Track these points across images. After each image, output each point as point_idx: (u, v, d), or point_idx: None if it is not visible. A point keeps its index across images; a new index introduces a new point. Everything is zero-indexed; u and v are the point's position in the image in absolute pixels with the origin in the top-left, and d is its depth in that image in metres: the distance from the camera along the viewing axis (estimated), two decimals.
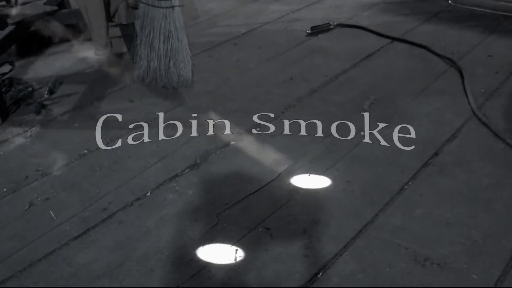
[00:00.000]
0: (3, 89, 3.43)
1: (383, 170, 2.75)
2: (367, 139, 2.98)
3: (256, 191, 2.63)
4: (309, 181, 2.70)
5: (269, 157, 2.87)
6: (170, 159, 2.90)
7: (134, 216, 2.52)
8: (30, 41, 4.17)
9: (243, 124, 3.17)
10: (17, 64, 3.87)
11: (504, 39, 4.19)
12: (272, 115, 3.25)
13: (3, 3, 4.04)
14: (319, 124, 3.14)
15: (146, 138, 3.07)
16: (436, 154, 2.85)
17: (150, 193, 2.65)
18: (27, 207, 2.59)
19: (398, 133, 3.02)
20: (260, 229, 2.40)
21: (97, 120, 3.26)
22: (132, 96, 3.53)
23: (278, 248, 2.29)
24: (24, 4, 4.03)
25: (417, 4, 5.00)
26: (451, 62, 3.81)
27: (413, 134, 3.01)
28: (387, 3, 5.07)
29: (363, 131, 3.04)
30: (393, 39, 4.25)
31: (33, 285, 2.17)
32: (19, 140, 3.10)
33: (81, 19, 3.92)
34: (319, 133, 3.06)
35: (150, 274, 2.20)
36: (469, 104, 3.27)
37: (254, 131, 3.11)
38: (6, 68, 3.66)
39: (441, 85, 3.54)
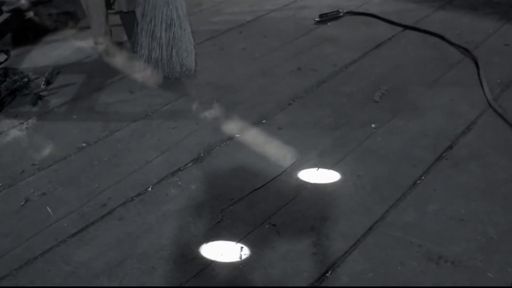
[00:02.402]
0: None
1: (394, 164, 2.74)
2: (378, 132, 2.97)
3: (262, 186, 2.63)
4: (318, 176, 2.70)
5: (276, 151, 2.87)
6: (172, 152, 2.90)
7: (134, 212, 2.51)
8: (26, 29, 4.17)
9: (249, 116, 3.16)
10: (12, 53, 3.87)
11: None
12: (279, 107, 3.24)
13: None
14: (328, 116, 3.13)
15: (147, 131, 3.07)
16: (450, 147, 2.84)
17: (152, 188, 2.65)
18: (23, 203, 2.59)
19: (411, 125, 3.01)
20: (267, 226, 2.39)
21: (96, 112, 3.26)
22: (132, 87, 3.53)
23: (285, 245, 2.29)
24: None
25: None
26: (466, 51, 3.79)
27: (426, 126, 2.99)
28: None
29: (374, 123, 3.04)
30: (405, 27, 4.24)
31: (29, 284, 2.17)
32: (15, 133, 3.10)
33: (80, 7, 3.92)
34: (328, 125, 3.05)
35: (152, 273, 2.19)
36: (485, 95, 3.25)
37: (260, 123, 3.10)
38: (2, 57, 3.66)
39: (456, 75, 3.52)
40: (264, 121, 3.12)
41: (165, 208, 2.52)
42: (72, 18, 4.39)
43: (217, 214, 2.47)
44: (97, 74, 3.72)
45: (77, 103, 3.38)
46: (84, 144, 2.98)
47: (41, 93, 3.44)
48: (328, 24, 4.39)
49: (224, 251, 2.27)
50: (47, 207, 2.55)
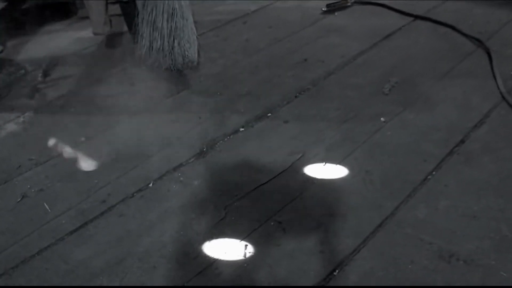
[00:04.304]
0: None
1: (404, 159, 2.73)
2: (387, 125, 2.96)
3: (267, 181, 2.62)
4: (325, 171, 2.69)
5: (282, 145, 2.86)
6: (174, 147, 2.90)
7: (135, 208, 2.51)
8: (23, 19, 4.16)
9: (253, 109, 3.16)
10: (8, 44, 3.87)
11: None
12: (285, 100, 3.24)
13: None
14: (335, 109, 3.12)
15: (148, 125, 3.07)
16: (462, 141, 2.83)
17: (153, 184, 2.65)
18: (19, 199, 2.59)
19: (421, 118, 3.00)
20: (272, 223, 2.38)
21: (95, 105, 3.26)
22: (133, 79, 3.53)
23: (291, 243, 2.28)
24: None
25: None
26: (479, 42, 3.77)
27: (437, 120, 2.98)
28: None
29: (383, 117, 3.03)
30: (416, 17, 4.23)
31: (26, 283, 2.17)
32: (11, 127, 3.10)
33: None
34: (336, 119, 3.04)
35: (153, 272, 2.19)
36: (498, 87, 3.24)
37: (265, 116, 3.09)
38: None
39: (468, 67, 3.51)
40: (269, 114, 3.11)
41: (166, 205, 2.52)
42: (70, 8, 4.38)
43: (220, 210, 2.46)
44: (96, 65, 3.72)
45: (75, 96, 3.38)
46: (83, 139, 2.98)
47: (38, 86, 3.44)
48: (336, 14, 4.38)
49: (227, 249, 2.27)
50: (45, 204, 2.55)
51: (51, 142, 2.96)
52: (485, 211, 2.39)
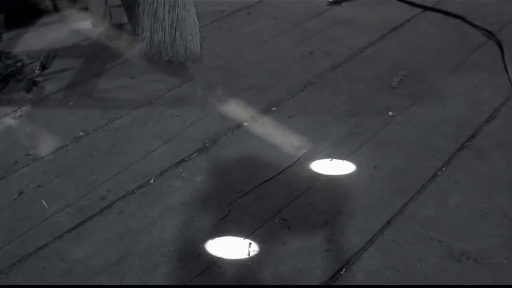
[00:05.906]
0: None
1: (413, 154, 2.72)
2: (396, 120, 2.95)
3: (272, 177, 2.61)
4: (331, 167, 2.68)
5: (287, 140, 2.86)
6: (176, 142, 2.89)
7: (136, 205, 2.51)
8: (19, 10, 4.16)
9: (258, 103, 3.15)
10: (5, 36, 3.86)
11: None
12: (290, 93, 3.23)
13: None
14: (342, 102, 3.11)
15: (149, 119, 3.06)
16: (473, 136, 2.82)
17: (154, 180, 2.64)
18: (16, 196, 2.58)
19: (431, 112, 2.99)
20: (277, 220, 2.38)
21: (94, 99, 3.26)
22: (133, 72, 3.52)
23: (296, 241, 2.28)
24: None
25: None
26: (490, 34, 3.76)
27: (447, 114, 2.97)
28: None
29: (392, 111, 3.02)
30: (425, 8, 4.21)
31: (23, 282, 2.16)
32: (8, 121, 3.10)
33: None
34: (343, 113, 3.03)
35: (154, 271, 2.19)
36: (510, 80, 3.23)
37: (269, 110, 3.09)
38: None
39: (479, 59, 3.50)
40: (274, 108, 3.11)
41: (168, 202, 2.52)
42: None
43: (223, 207, 2.46)
44: (95, 58, 3.71)
45: (74, 89, 3.37)
46: (81, 133, 2.98)
47: (36, 79, 3.43)
48: (343, 4, 4.37)
49: (231, 247, 2.27)
50: (42, 201, 2.55)
51: None
52: (496, 208, 2.38)
